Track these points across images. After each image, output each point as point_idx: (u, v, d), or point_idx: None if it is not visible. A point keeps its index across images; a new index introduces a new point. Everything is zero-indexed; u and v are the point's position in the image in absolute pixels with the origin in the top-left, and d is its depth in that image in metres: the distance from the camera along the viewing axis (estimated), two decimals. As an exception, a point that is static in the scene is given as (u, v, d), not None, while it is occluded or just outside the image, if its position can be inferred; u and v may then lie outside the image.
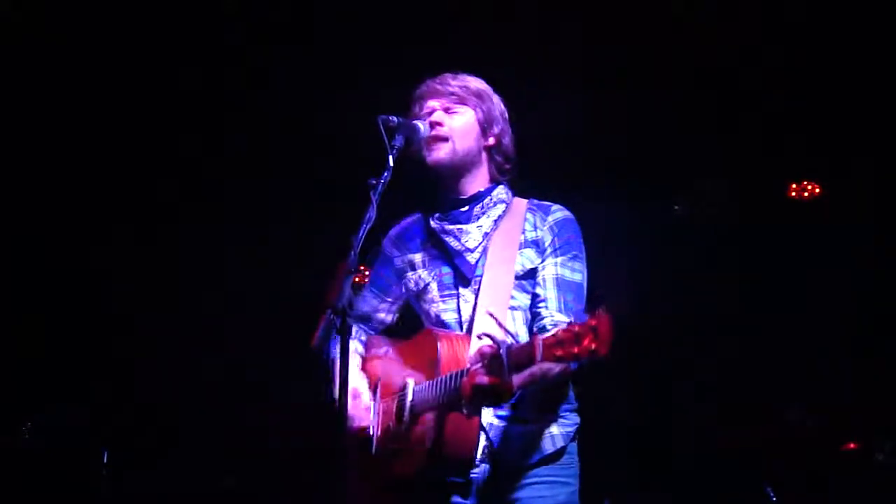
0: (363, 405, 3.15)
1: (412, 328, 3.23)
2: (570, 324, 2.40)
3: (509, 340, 2.56)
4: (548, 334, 2.45)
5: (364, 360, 3.34)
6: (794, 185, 6.90)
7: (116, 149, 6.20)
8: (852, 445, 5.42)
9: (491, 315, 2.67)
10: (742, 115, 6.25)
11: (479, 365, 2.61)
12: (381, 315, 3.39)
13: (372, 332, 3.41)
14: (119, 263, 6.60)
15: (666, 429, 6.63)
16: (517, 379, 2.63)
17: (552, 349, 2.41)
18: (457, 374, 2.72)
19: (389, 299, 3.36)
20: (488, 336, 2.59)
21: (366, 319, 3.41)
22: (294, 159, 6.45)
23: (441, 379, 2.80)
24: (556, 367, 2.76)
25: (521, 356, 2.50)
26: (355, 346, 3.35)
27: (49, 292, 6.48)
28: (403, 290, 3.28)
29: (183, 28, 5.42)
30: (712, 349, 6.73)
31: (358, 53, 5.59)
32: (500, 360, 2.53)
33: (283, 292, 6.43)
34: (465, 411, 2.70)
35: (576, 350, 2.36)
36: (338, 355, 3.18)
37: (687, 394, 6.69)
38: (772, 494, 5.02)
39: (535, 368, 2.61)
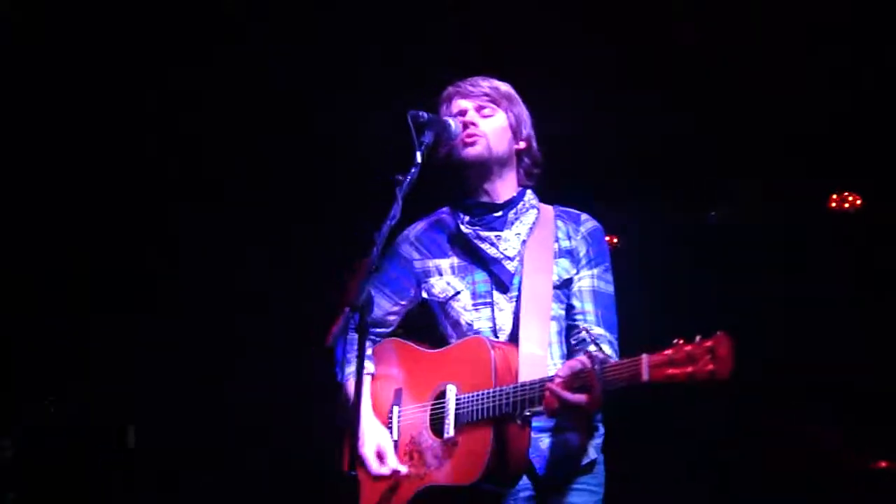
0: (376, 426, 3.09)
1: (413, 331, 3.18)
2: (678, 343, 2.38)
3: (601, 356, 2.54)
4: (655, 354, 2.42)
5: (374, 377, 3.22)
6: (835, 197, 6.78)
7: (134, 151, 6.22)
8: (884, 464, 5.32)
9: (587, 330, 2.70)
10: (783, 125, 6.13)
11: (565, 378, 2.57)
12: (392, 318, 3.29)
13: (378, 339, 3.29)
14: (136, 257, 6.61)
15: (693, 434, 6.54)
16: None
17: (661, 368, 2.39)
18: (535, 385, 2.67)
19: (403, 302, 3.26)
20: (587, 353, 2.57)
21: (376, 325, 3.29)
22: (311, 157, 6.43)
23: (502, 389, 2.74)
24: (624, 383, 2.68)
25: (621, 374, 2.47)
26: (367, 367, 3.22)
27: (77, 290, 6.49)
28: (422, 295, 3.19)
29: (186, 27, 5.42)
30: (753, 360, 6.61)
31: (384, 52, 5.56)
32: (592, 374, 2.50)
33: (303, 290, 6.39)
34: (518, 422, 2.69)
35: (691, 370, 2.34)
36: (351, 360, 3.16)
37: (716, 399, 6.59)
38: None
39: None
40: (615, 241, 7.04)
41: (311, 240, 6.58)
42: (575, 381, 2.55)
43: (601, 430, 3.00)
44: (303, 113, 5.99)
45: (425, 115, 2.91)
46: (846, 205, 6.73)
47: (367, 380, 3.21)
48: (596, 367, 2.49)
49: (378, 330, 3.30)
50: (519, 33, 5.39)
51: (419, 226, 3.26)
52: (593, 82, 5.72)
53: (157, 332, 6.54)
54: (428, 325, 3.21)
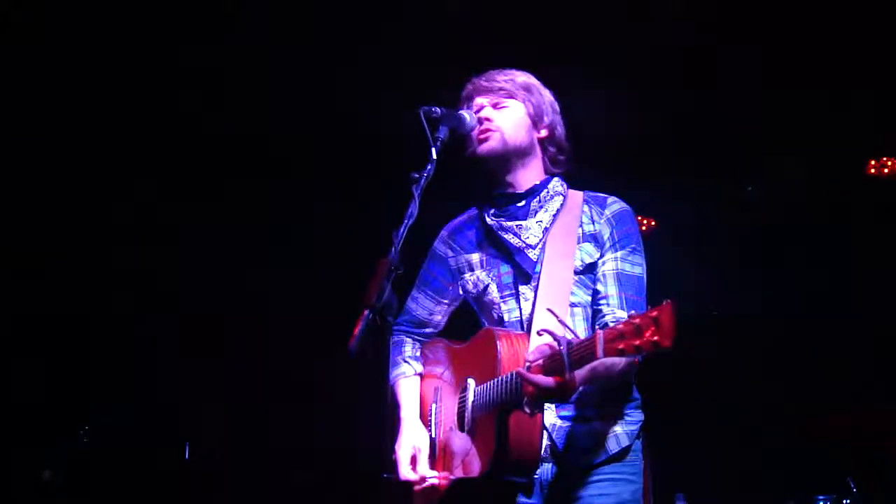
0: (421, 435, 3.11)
1: (464, 329, 3.17)
2: (630, 316, 2.32)
3: (569, 336, 2.48)
4: (608, 328, 2.37)
5: (423, 377, 3.28)
6: (873, 162, 6.65)
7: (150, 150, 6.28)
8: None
9: (550, 311, 2.60)
10: (819, 91, 6.02)
11: (539, 362, 2.55)
12: (438, 318, 3.33)
13: (426, 340, 3.35)
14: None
15: (741, 421, 6.45)
16: (579, 375, 2.55)
17: (613, 343, 2.34)
18: (515, 373, 2.66)
19: (445, 301, 3.29)
20: (548, 332, 2.51)
21: (423, 325, 3.35)
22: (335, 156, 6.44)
23: (502, 378, 2.74)
24: (620, 363, 2.68)
25: (581, 352, 2.43)
26: (414, 368, 3.30)
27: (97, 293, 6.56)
28: (460, 292, 3.20)
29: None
30: (795, 336, 6.54)
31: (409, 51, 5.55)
32: (561, 356, 2.46)
33: (323, 292, 6.41)
34: (527, 410, 2.64)
35: (637, 343, 2.28)
36: (399, 362, 3.19)
37: (769, 385, 6.51)
38: (854, 487, 4.83)
39: (597, 364, 2.52)
40: (653, 223, 6.99)
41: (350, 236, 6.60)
42: (549, 364, 2.52)
43: (636, 416, 2.96)
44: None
45: (438, 109, 2.90)
46: (886, 170, 6.60)
47: (416, 380, 3.27)
48: (562, 348, 2.45)
49: (425, 330, 3.35)
50: (547, 22, 5.38)
51: (452, 223, 3.28)
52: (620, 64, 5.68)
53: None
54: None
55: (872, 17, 5.40)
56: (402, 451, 3.06)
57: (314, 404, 6.55)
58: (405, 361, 3.30)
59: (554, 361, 2.50)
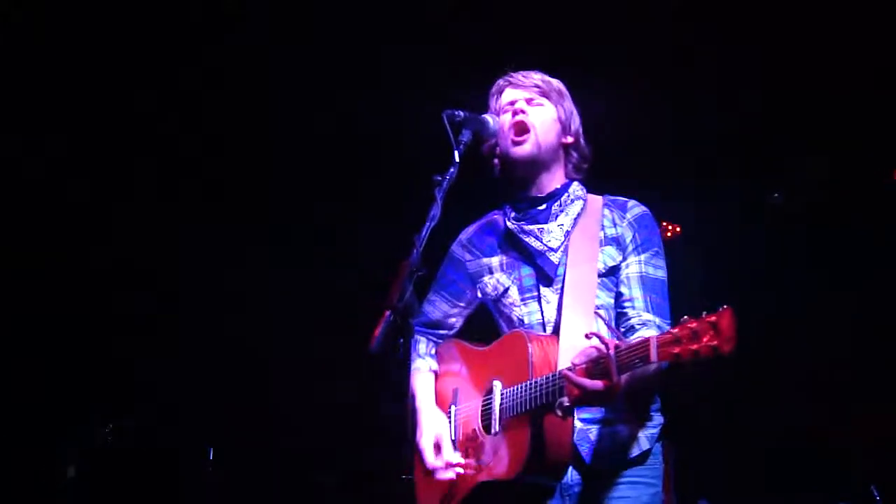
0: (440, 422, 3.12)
1: (479, 331, 3.18)
2: (685, 320, 2.33)
3: (616, 340, 2.49)
4: (662, 332, 2.38)
5: (437, 376, 3.30)
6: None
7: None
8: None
9: (598, 314, 2.63)
10: (839, 98, 5.98)
11: (584, 365, 2.55)
12: (452, 320, 3.36)
13: (440, 341, 3.37)
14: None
15: (766, 426, 6.41)
16: (625, 379, 2.56)
17: (669, 347, 2.34)
18: (556, 376, 2.66)
19: (462, 304, 3.32)
20: (597, 336, 2.52)
21: (436, 326, 3.37)
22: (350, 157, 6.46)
23: (537, 381, 2.74)
24: (653, 367, 2.64)
25: (632, 356, 2.44)
26: (429, 364, 3.32)
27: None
28: (478, 295, 3.21)
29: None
30: (815, 341, 6.50)
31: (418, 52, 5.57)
32: (608, 359, 2.47)
33: (343, 292, 6.43)
34: (559, 413, 2.65)
35: (695, 347, 2.29)
36: (413, 357, 3.20)
37: (788, 390, 6.47)
38: (876, 494, 4.80)
39: (644, 370, 2.53)
40: (678, 229, 6.96)
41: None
42: (593, 367, 2.53)
43: (657, 419, 2.95)
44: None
45: (461, 113, 2.91)
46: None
47: (431, 376, 3.29)
48: (611, 351, 2.46)
49: (440, 332, 3.37)
50: (565, 27, 5.38)
51: (471, 228, 3.30)
52: (645, 64, 5.68)
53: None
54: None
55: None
56: (425, 440, 3.06)
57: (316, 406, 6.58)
58: (420, 357, 3.32)
59: (599, 365, 2.51)
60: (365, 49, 5.57)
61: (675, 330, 2.33)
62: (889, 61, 5.62)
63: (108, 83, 5.71)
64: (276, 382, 6.69)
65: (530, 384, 2.76)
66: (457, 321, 3.35)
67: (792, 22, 5.40)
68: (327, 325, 6.29)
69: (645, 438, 2.90)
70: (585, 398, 2.55)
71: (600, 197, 3.13)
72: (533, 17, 5.33)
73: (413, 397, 3.20)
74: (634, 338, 2.58)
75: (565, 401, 2.61)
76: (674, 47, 5.61)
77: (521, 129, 3.04)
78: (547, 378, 2.70)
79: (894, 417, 5.43)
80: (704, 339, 2.26)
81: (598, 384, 2.51)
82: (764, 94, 5.97)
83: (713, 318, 2.27)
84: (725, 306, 2.27)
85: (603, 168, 3.24)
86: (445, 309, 3.33)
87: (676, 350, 2.31)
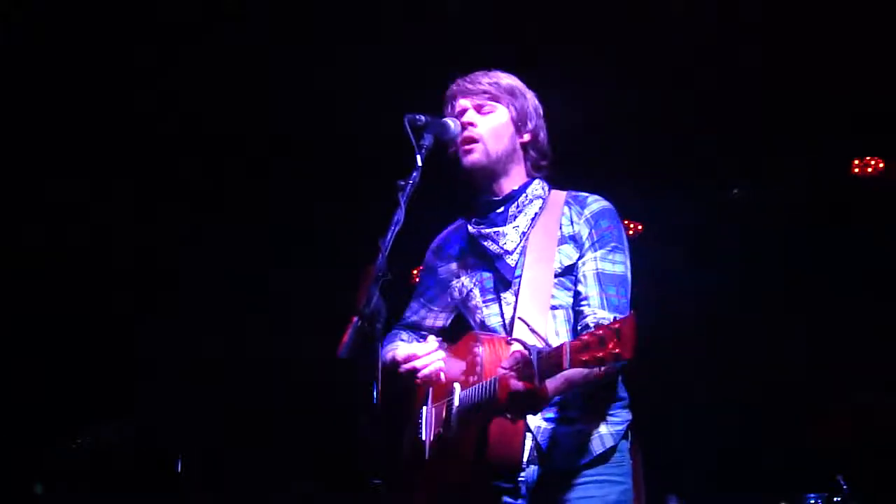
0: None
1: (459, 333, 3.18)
2: (596, 326, 2.33)
3: (540, 345, 2.47)
4: (575, 339, 2.38)
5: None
6: (857, 162, 6.67)
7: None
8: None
9: (522, 319, 2.60)
10: (799, 94, 6.05)
11: (512, 370, 2.54)
12: (430, 322, 3.36)
13: (421, 340, 3.33)
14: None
15: (735, 423, 6.46)
16: (552, 384, 2.56)
17: (579, 354, 2.34)
18: (494, 380, 2.65)
19: (436, 308, 3.33)
20: (519, 341, 2.51)
21: (414, 328, 3.38)
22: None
23: (482, 384, 2.73)
24: (581, 371, 2.62)
25: (550, 362, 2.43)
26: (408, 336, 3.35)
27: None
28: (450, 299, 3.23)
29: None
30: (780, 336, 6.56)
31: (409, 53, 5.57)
32: (532, 365, 2.45)
33: (314, 297, 6.41)
34: (508, 415, 2.65)
35: (600, 354, 2.29)
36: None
37: (757, 385, 6.52)
38: (844, 484, 4.84)
39: (572, 373, 2.52)
40: (640, 227, 7.00)
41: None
42: (521, 372, 2.51)
43: (623, 416, 2.95)
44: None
45: (422, 117, 2.90)
46: (869, 169, 6.62)
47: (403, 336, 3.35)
48: (532, 356, 2.45)
49: (419, 332, 3.38)
50: (546, 22, 5.42)
51: (442, 234, 3.32)
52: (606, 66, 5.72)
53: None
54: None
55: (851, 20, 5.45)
56: (399, 351, 3.07)
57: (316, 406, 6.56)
58: (400, 340, 3.33)
59: (526, 369, 2.49)
60: (365, 49, 5.57)
61: (585, 336, 2.33)
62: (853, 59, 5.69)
63: (108, 83, 5.69)
64: (276, 382, 6.66)
65: (479, 386, 2.75)
66: (435, 323, 3.35)
67: (761, 19, 5.48)
68: (327, 325, 6.24)
69: (609, 436, 2.89)
70: (513, 401, 2.55)
71: (564, 193, 3.11)
72: (507, 14, 5.36)
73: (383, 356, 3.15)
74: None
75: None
76: (640, 44, 5.65)
77: (469, 141, 3.04)
78: (490, 381, 2.69)
79: (859, 410, 5.49)
80: (609, 346, 2.27)
81: (519, 385, 2.51)
82: (729, 92, 6.03)
83: (617, 325, 2.27)
84: (631, 312, 2.29)
85: (566, 168, 3.23)
86: (423, 313, 3.35)
87: (585, 357, 2.32)
